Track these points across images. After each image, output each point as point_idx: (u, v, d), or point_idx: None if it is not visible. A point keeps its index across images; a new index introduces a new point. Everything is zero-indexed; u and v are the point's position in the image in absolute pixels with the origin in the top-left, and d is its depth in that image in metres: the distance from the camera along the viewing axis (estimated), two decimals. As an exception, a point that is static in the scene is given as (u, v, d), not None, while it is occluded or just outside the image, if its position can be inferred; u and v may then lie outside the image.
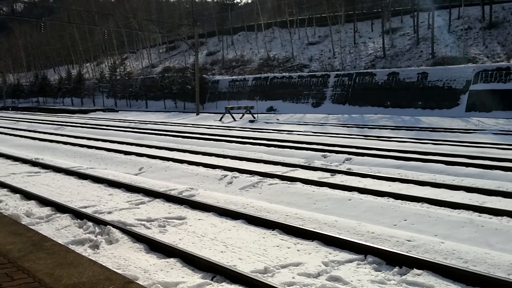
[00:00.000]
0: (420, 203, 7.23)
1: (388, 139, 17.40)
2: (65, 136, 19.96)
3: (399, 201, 7.41)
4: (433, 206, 7.04)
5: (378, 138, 17.91)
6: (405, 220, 6.61)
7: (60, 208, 6.98)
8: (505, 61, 31.06)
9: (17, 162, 12.27)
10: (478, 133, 19.08)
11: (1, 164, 11.93)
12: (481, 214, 6.60)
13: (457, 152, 12.84)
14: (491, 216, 6.52)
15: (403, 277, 4.47)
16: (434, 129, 21.06)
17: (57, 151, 15.15)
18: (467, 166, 10.52)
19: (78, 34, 70.81)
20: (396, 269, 4.65)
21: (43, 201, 7.46)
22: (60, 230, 6.00)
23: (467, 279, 4.30)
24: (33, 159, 12.37)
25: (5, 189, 8.52)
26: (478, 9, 37.88)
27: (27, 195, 7.91)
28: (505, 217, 6.43)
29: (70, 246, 5.18)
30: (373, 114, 30.46)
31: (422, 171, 10.36)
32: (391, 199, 7.51)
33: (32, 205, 7.29)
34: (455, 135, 18.70)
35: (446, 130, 20.72)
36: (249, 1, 71.02)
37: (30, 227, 5.45)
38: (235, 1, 66.48)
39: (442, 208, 6.95)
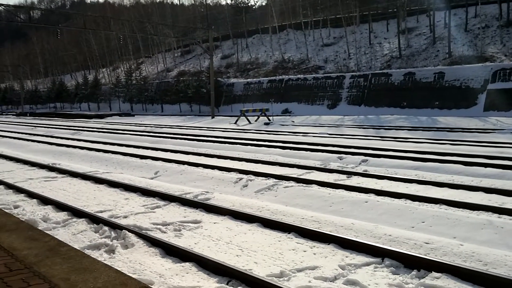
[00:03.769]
0: (438, 205, 7.10)
1: (405, 140, 17.19)
2: (81, 141, 20.22)
3: (417, 202, 7.29)
4: (452, 208, 6.92)
5: (395, 139, 17.71)
6: (423, 222, 6.50)
7: (77, 213, 7.05)
8: (524, 59, 30.48)
9: (34, 167, 12.44)
10: (496, 133, 18.73)
11: (19, 170, 12.11)
12: (500, 216, 6.46)
13: (475, 153, 12.61)
14: (511, 217, 6.37)
15: (421, 280, 4.38)
16: (451, 129, 20.75)
17: (73, 156, 15.35)
18: (485, 167, 10.31)
19: (94, 39, 71.88)
20: (414, 272, 4.57)
21: (60, 206, 7.53)
22: (76, 235, 6.05)
23: (487, 282, 4.20)
24: (50, 164, 12.54)
25: (23, 194, 8.62)
26: (495, 7, 37.24)
27: (44, 200, 8.00)
28: (526, 218, 6.28)
29: (86, 251, 5.21)
30: (389, 115, 30.15)
31: (440, 172, 10.19)
32: (409, 201, 7.39)
33: (49, 210, 7.37)
34: (473, 135, 18.38)
35: (463, 130, 20.39)
36: (263, 3, 71.20)
37: (47, 232, 5.51)
38: (249, 4, 66.64)
39: (461, 209, 6.82)
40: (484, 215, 6.52)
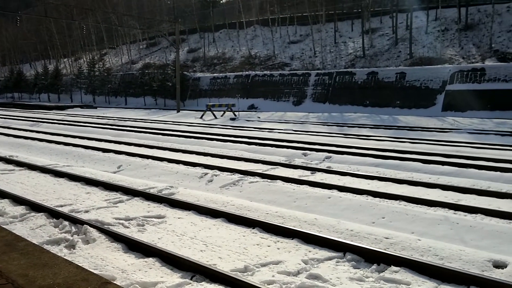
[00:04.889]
0: (397, 201, 7.33)
1: (367, 137, 17.60)
2: (41, 132, 19.54)
3: (378, 199, 7.50)
4: (410, 204, 7.16)
5: (357, 136, 18.10)
6: (383, 218, 6.70)
7: (35, 207, 6.82)
8: (480, 62, 31.76)
9: (-10, 160, 11.94)
10: (453, 132, 19.47)
11: (-26, 162, 11.59)
12: (456, 212, 6.74)
13: (434, 151, 13.08)
14: (465, 213, 6.66)
15: (381, 274, 4.52)
16: (411, 128, 21.40)
17: (32, 148, 14.82)
18: (443, 165, 10.72)
19: (55, 28, 69.34)
20: (374, 266, 4.71)
21: (17, 200, 7.27)
22: (35, 230, 5.87)
23: (443, 276, 4.39)
24: (7, 156, 12.06)
25: (-22, 188, 8.27)
26: (455, 11, 38.60)
27: (0, 194, 7.69)
28: (479, 214, 6.58)
29: (45, 246, 5.07)
30: (352, 112, 30.77)
31: (399, 169, 10.51)
32: (370, 197, 7.60)
33: (5, 204, 7.11)
34: (432, 134, 19.04)
35: (423, 129, 21.08)
36: (231, -2, 70.77)
37: (3, 226, 5.31)
38: (216, -2, 66.15)
39: (419, 205, 7.07)
40: (441, 211, 6.79)
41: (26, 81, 67.38)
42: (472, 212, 6.66)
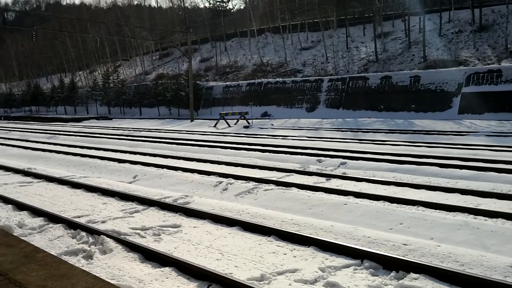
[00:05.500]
0: (415, 207, 7.22)
1: (382, 142, 17.44)
2: (58, 145, 19.83)
3: (395, 204, 7.40)
4: (429, 209, 7.04)
5: (372, 141, 17.95)
6: (401, 224, 6.60)
7: (53, 218, 6.90)
8: (496, 63, 31.29)
9: (9, 172, 12.14)
10: (471, 135, 19.17)
11: (-7, 175, 11.79)
12: (476, 216, 6.61)
13: (451, 155, 12.88)
14: (486, 218, 6.52)
15: (400, 281, 4.44)
16: (427, 132, 21.15)
17: (50, 160, 15.03)
18: (461, 169, 10.55)
19: (70, 42, 70.65)
20: (393, 273, 4.63)
21: (36, 212, 7.37)
22: (53, 241, 5.93)
23: (464, 282, 4.29)
24: (26, 169, 12.25)
25: (-3, 200, 8.41)
26: (468, 12, 38.21)
27: (19, 206, 7.81)
28: (500, 219, 6.44)
29: (63, 257, 5.11)
30: (366, 118, 30.56)
31: (416, 174, 10.37)
32: (387, 203, 7.50)
33: (24, 216, 7.20)
34: (449, 138, 18.77)
35: (439, 132, 20.80)
36: (242, 7, 71.35)
37: (22, 238, 5.38)
38: (227, 8, 66.65)
39: (438, 211, 6.95)
40: (460, 216, 6.66)
41: (43, 94, 68.66)
42: (492, 217, 6.52)
